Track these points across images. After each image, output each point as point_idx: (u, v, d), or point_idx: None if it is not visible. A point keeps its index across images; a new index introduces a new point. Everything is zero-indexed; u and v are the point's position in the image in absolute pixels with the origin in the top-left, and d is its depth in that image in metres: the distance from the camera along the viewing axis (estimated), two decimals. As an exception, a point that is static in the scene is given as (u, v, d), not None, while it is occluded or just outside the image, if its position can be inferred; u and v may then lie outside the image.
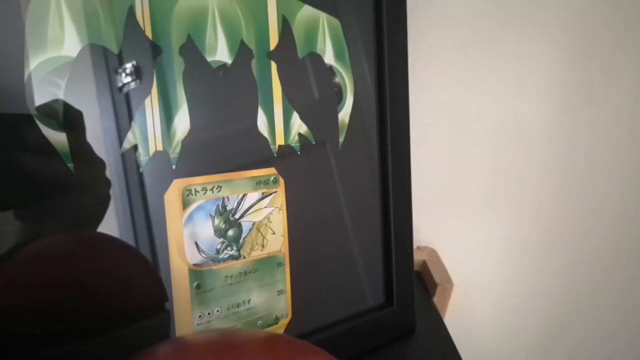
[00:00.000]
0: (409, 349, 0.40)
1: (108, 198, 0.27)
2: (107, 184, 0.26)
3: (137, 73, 0.27)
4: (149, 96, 0.27)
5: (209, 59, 0.29)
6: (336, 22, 0.35)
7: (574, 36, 0.53)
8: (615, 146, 0.57)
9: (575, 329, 0.66)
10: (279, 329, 0.34)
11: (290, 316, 0.35)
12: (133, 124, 0.27)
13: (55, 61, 0.24)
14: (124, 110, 0.27)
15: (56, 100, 0.25)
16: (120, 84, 0.27)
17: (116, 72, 0.26)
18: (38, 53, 0.24)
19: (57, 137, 0.25)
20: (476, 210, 0.58)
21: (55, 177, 0.25)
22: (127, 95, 0.27)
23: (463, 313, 0.59)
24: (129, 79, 0.27)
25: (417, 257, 0.53)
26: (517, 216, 0.59)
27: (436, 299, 0.48)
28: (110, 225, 0.27)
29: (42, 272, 0.25)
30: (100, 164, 0.26)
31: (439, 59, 0.51)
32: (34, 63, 0.24)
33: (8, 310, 0.24)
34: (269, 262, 0.33)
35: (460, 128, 0.54)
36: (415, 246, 0.56)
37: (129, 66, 0.27)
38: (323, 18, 0.34)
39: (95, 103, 0.26)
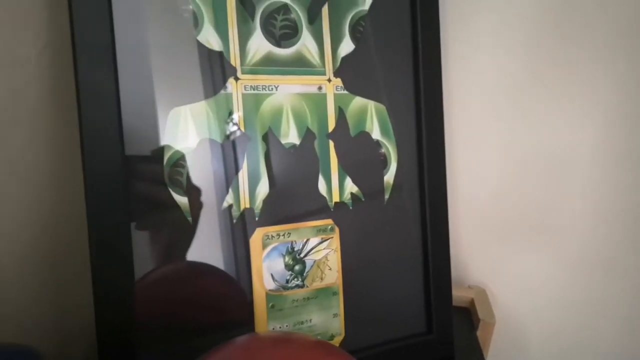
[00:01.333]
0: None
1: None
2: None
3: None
4: (241, 171, 0.39)
5: (283, 142, 0.41)
6: (382, 107, 0.46)
7: (624, 64, 0.55)
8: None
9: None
10: (334, 344, 0.44)
11: (343, 335, 0.44)
12: (230, 189, 0.39)
13: (182, 151, 0.37)
14: (226, 180, 0.39)
15: (182, 175, 0.37)
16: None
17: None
18: (172, 145, 0.37)
19: (181, 199, 0.37)
20: (527, 249, 0.61)
21: (177, 224, 0.38)
22: (229, 170, 0.39)
23: (515, 351, 0.64)
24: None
25: (467, 294, 0.60)
26: (568, 254, 0.60)
27: (479, 333, 0.54)
28: (217, 261, 0.39)
29: (169, 290, 0.38)
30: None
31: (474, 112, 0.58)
32: (169, 152, 0.37)
33: (137, 318, 0.37)
34: (326, 291, 0.44)
35: (507, 166, 0.59)
36: (466, 285, 0.63)
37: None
38: (371, 105, 0.45)
39: (207, 176, 0.38)
